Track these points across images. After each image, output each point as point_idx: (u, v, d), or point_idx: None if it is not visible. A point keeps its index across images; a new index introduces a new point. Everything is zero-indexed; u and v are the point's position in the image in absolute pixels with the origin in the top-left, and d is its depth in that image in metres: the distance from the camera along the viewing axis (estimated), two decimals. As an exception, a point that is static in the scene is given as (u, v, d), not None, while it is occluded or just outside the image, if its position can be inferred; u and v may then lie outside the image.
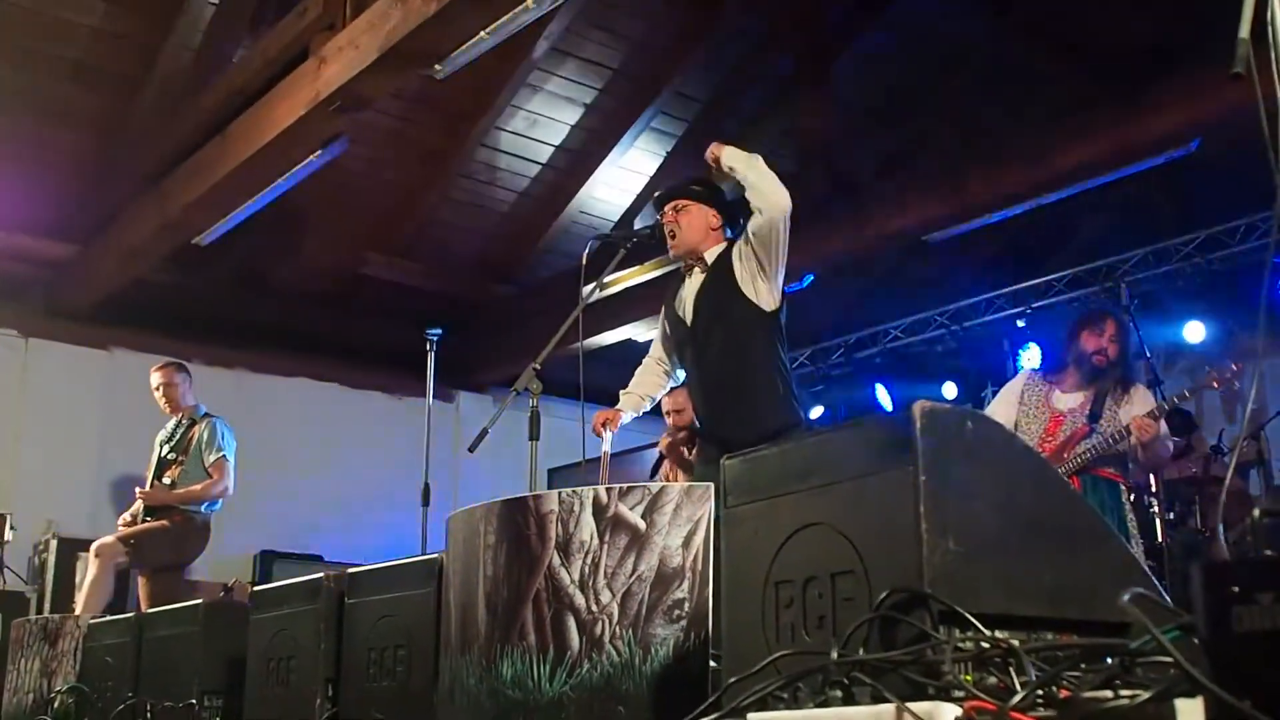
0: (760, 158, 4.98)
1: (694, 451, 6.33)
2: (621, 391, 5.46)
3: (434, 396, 7.35)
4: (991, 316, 10.77)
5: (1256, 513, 1.58)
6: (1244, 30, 2.69)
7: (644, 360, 5.54)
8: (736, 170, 4.97)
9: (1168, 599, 2.15)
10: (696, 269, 5.19)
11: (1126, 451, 5.83)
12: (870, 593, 2.13)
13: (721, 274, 5.06)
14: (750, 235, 4.95)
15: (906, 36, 9.78)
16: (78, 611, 7.06)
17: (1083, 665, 1.88)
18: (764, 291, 5.00)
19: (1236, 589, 1.41)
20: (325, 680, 4.03)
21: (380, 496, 10.28)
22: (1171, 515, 7.47)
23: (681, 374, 5.41)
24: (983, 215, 8.81)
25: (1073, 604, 2.20)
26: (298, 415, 10.77)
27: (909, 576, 2.06)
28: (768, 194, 4.87)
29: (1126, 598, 1.76)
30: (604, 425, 5.29)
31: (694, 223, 5.15)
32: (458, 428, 10.90)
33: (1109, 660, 1.81)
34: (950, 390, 10.65)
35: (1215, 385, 6.14)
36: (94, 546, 7.34)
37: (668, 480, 6.83)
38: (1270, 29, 2.75)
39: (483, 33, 6.35)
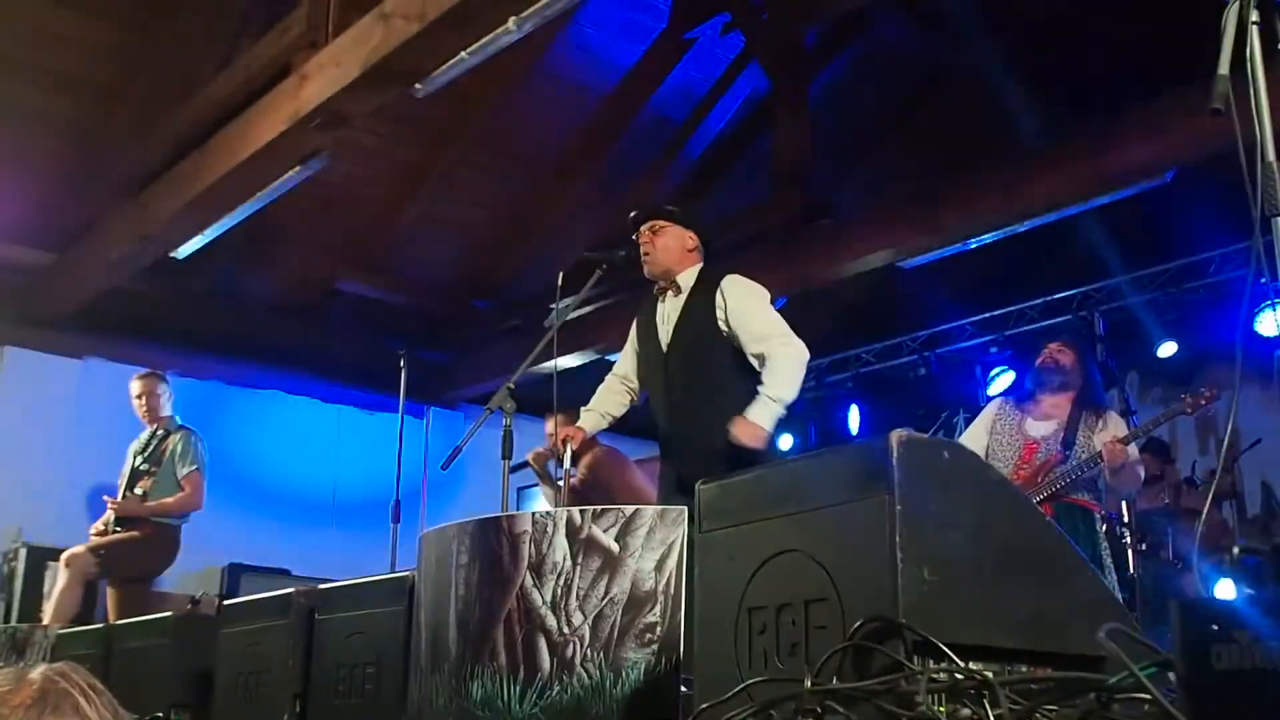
0: (771, 402, 4.75)
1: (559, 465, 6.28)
2: (583, 409, 5.40)
3: (406, 412, 7.33)
4: (964, 344, 10.76)
5: (1236, 550, 1.58)
6: (1223, 67, 2.71)
7: (607, 378, 5.47)
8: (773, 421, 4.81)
9: (1140, 632, 2.15)
10: (670, 291, 5.14)
11: (1099, 479, 5.84)
12: (844, 621, 2.12)
13: (701, 303, 5.00)
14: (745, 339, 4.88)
15: (882, 62, 9.79)
16: (46, 621, 7.00)
17: (1058, 699, 1.88)
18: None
19: (1215, 627, 1.41)
20: (293, 696, 4.00)
21: (350, 511, 10.26)
22: (1144, 546, 7.47)
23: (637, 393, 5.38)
24: (957, 243, 8.81)
25: (1047, 636, 2.19)
26: (269, 428, 10.72)
27: (884, 605, 2.05)
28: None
29: (1104, 633, 1.76)
30: (564, 442, 5.20)
31: (669, 244, 5.09)
32: (428, 443, 10.87)
33: (1085, 695, 1.81)
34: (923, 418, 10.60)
35: (1189, 411, 6.15)
36: (64, 556, 7.27)
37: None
38: (1249, 66, 2.77)
39: (463, 53, 6.32)
